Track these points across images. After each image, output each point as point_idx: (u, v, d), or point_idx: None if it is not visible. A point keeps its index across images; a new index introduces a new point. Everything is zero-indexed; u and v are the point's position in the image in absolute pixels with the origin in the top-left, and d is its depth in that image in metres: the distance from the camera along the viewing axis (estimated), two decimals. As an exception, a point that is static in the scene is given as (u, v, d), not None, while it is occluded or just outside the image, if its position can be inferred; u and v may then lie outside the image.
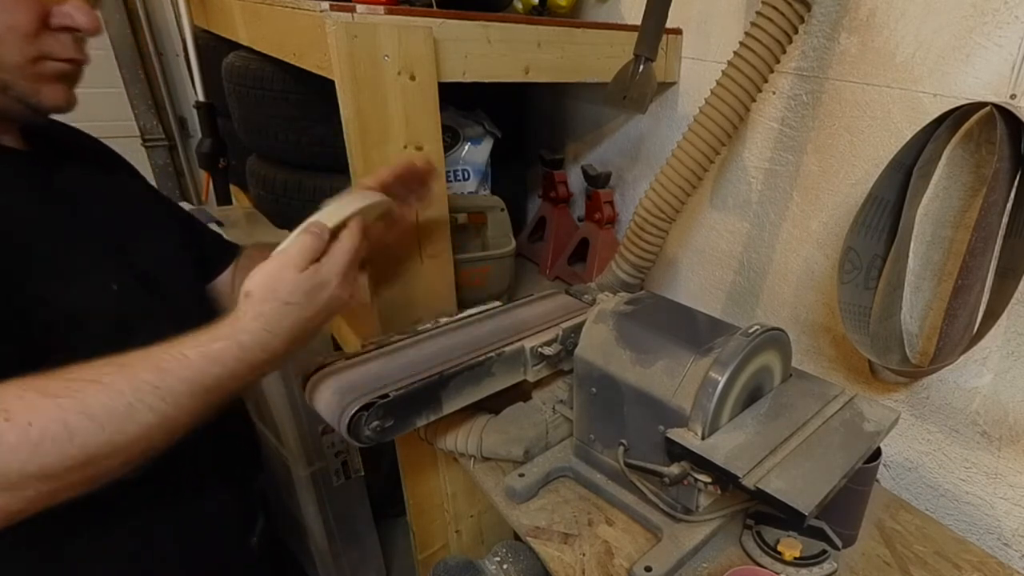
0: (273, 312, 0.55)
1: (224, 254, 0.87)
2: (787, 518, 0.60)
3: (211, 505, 0.75)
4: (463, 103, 1.21)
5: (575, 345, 0.74)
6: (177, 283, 0.73)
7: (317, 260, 0.59)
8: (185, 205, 1.41)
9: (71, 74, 0.60)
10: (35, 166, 0.63)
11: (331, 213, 0.62)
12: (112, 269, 0.64)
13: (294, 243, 0.58)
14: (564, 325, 0.79)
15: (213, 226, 1.20)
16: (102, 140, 0.76)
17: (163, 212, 0.80)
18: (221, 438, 0.76)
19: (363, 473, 1.53)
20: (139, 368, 0.50)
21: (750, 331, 0.64)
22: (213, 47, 1.46)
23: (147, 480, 0.54)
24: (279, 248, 0.59)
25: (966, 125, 0.71)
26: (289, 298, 0.56)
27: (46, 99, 0.58)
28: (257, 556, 0.84)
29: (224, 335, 0.53)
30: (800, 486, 0.55)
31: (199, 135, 1.59)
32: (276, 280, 0.56)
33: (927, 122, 0.70)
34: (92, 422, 0.46)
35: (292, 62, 0.89)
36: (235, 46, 1.23)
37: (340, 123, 0.76)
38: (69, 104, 0.61)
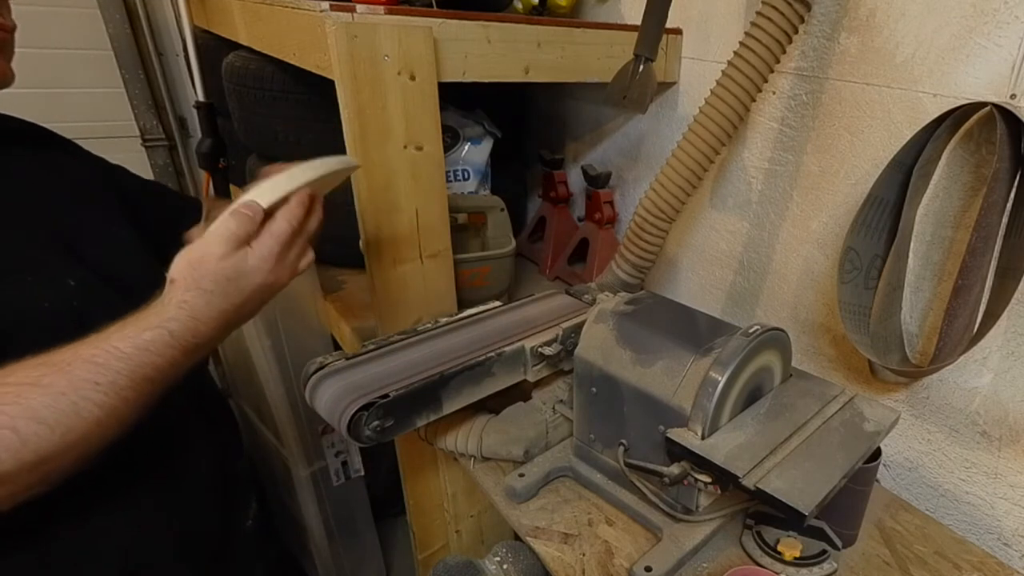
0: (196, 300, 0.53)
1: (194, 213, 0.83)
2: (787, 518, 0.60)
3: (195, 477, 0.73)
4: (463, 103, 1.20)
5: (575, 345, 0.74)
6: (134, 271, 0.70)
7: (248, 243, 0.56)
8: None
9: (3, 43, 0.58)
10: None
11: (270, 189, 0.58)
12: (63, 261, 0.62)
13: (218, 226, 0.55)
14: (564, 325, 0.79)
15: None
16: (107, 139, 0.74)
17: (113, 189, 0.75)
18: (197, 411, 0.75)
19: (363, 473, 1.53)
20: (75, 366, 0.49)
21: (750, 331, 0.64)
22: (213, 47, 1.46)
23: (130, 455, 0.53)
24: (209, 228, 0.55)
25: (966, 125, 0.71)
26: (211, 287, 0.54)
27: None
28: (254, 541, 0.84)
29: (153, 324, 0.52)
30: (800, 486, 0.55)
31: (199, 135, 1.58)
32: (197, 268, 0.54)
33: (927, 122, 0.70)
34: (41, 425, 0.46)
35: (292, 62, 0.89)
36: (235, 46, 1.22)
37: (340, 123, 0.76)
38: (6, 78, 0.59)
